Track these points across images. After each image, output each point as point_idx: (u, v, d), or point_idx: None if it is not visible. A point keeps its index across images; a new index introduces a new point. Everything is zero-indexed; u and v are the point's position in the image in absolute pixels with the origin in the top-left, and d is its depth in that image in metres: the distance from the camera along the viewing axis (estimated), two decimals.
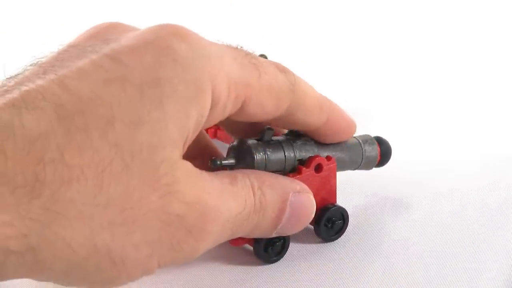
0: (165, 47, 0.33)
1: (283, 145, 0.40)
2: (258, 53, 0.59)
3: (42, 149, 0.29)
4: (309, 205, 0.39)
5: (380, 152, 0.45)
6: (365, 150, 0.44)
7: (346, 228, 0.44)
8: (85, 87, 0.30)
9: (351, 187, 0.48)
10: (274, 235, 0.39)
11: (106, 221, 0.30)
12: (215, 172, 0.36)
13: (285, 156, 0.40)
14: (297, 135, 0.42)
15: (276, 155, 0.40)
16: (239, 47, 0.37)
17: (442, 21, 0.80)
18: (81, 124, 0.30)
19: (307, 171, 0.41)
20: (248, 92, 0.35)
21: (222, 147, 0.49)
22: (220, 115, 0.35)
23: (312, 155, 0.41)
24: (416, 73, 0.69)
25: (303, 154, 0.41)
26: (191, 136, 0.34)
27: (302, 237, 0.43)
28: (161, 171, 0.31)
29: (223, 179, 0.35)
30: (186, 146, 0.34)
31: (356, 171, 0.46)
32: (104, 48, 0.32)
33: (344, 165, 0.44)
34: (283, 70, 0.38)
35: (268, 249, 0.41)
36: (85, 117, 0.30)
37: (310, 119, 0.39)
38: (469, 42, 0.75)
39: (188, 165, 0.33)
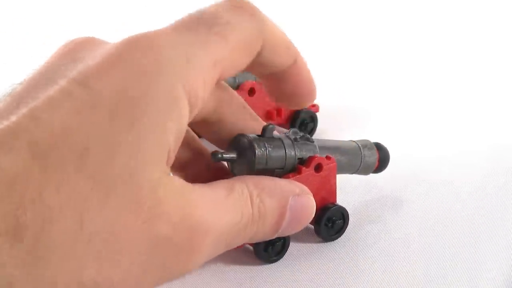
0: (131, 64, 0.32)
1: (284, 143, 0.40)
2: None
3: (21, 192, 0.28)
4: (309, 207, 0.39)
5: (379, 158, 0.45)
6: (364, 154, 0.44)
7: (346, 228, 0.44)
8: (56, 118, 0.30)
9: (351, 187, 0.48)
10: (274, 237, 0.39)
11: (90, 256, 0.30)
12: (211, 183, 0.35)
13: (285, 153, 0.40)
14: (298, 135, 0.41)
15: (277, 152, 0.40)
16: (198, 19, 0.34)
17: (438, 21, 0.80)
18: (56, 160, 0.29)
19: (307, 171, 0.41)
20: (221, 65, 0.34)
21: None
22: (199, 109, 0.34)
23: (312, 155, 0.41)
24: (414, 73, 0.69)
25: (304, 153, 0.41)
26: (174, 148, 0.33)
27: (302, 236, 0.43)
28: (142, 195, 0.30)
29: (218, 190, 0.35)
30: (171, 159, 0.33)
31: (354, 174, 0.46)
32: (72, 72, 0.31)
33: (343, 169, 0.44)
34: (252, 13, 0.36)
35: (268, 249, 0.41)
36: (59, 152, 0.29)
37: (278, 58, 0.37)
38: (461, 41, 0.75)
39: (174, 182, 0.32)
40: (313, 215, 0.39)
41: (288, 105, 0.40)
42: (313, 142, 0.42)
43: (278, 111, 0.56)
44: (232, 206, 0.35)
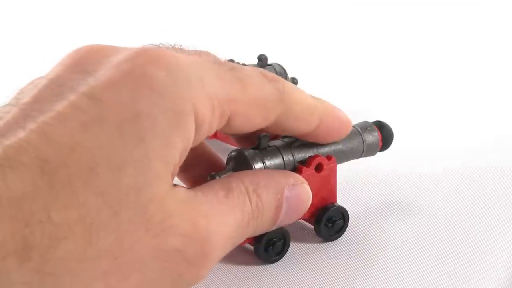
0: (142, 77, 0.32)
1: (281, 150, 0.40)
2: (258, 53, 0.59)
3: (29, 211, 0.28)
4: (305, 195, 0.39)
5: (382, 138, 0.45)
6: (365, 138, 0.44)
7: (346, 228, 0.44)
8: (65, 134, 0.30)
9: (351, 187, 0.48)
10: (273, 228, 0.39)
11: (100, 273, 0.30)
12: (208, 184, 0.36)
13: (283, 160, 0.40)
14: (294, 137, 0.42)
15: (274, 162, 0.40)
16: (222, 61, 0.36)
17: (437, 22, 0.80)
18: (64, 177, 0.29)
19: (308, 171, 0.41)
20: (233, 107, 0.35)
21: (222, 147, 0.49)
22: (205, 133, 0.34)
23: (312, 154, 0.41)
24: (414, 72, 0.69)
25: (302, 155, 0.41)
26: (179, 163, 0.33)
27: (302, 236, 0.43)
28: (151, 210, 0.31)
29: (218, 192, 0.35)
30: (175, 172, 0.33)
31: (361, 164, 0.45)
32: (82, 85, 0.32)
33: (347, 157, 0.44)
34: (271, 79, 0.37)
35: (269, 249, 0.41)
36: (68, 169, 0.29)
37: (301, 125, 0.39)
38: (458, 43, 0.75)
39: (180, 193, 0.33)
40: (310, 202, 0.40)
41: (323, 142, 0.42)
42: None
43: None
44: (234, 206, 0.35)
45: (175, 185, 0.33)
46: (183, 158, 0.33)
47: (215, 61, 0.36)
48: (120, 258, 0.30)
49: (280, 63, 0.59)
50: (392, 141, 0.46)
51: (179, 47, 0.36)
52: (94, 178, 0.29)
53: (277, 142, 0.41)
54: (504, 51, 0.73)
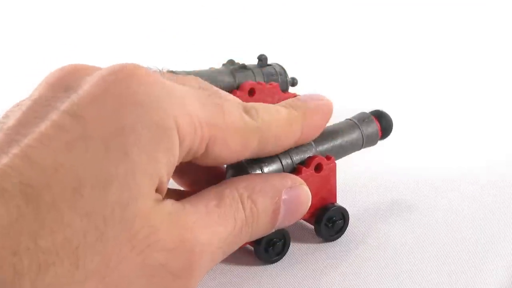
0: (125, 92, 0.32)
1: (279, 155, 0.40)
2: (258, 53, 0.59)
3: (16, 239, 0.28)
4: (303, 197, 0.39)
5: (380, 127, 0.45)
6: (363, 130, 0.44)
7: (346, 228, 0.44)
8: (48, 156, 0.30)
9: (352, 187, 0.48)
10: (272, 231, 0.39)
11: None
12: (201, 193, 0.35)
13: (282, 165, 0.40)
14: None
15: (273, 167, 0.40)
16: (206, 86, 0.36)
17: (440, 22, 0.80)
18: (49, 201, 0.29)
19: (307, 171, 0.41)
20: (212, 131, 0.34)
21: None
22: (185, 152, 0.34)
23: (311, 154, 0.41)
24: (415, 74, 0.69)
25: (301, 156, 0.41)
26: (167, 177, 0.33)
27: (302, 237, 0.44)
28: (136, 227, 0.31)
29: (209, 202, 0.35)
30: (164, 187, 0.33)
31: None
32: (64, 103, 0.31)
33: (346, 151, 0.44)
34: (247, 110, 0.37)
35: (269, 249, 0.41)
36: (52, 192, 0.29)
37: (284, 141, 0.39)
38: (463, 43, 0.75)
39: (166, 207, 0.32)
40: (309, 203, 0.39)
41: (311, 140, 0.41)
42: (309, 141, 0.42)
43: None
44: (224, 215, 0.35)
45: (164, 198, 0.33)
46: (171, 173, 0.33)
47: (198, 85, 0.35)
48: (107, 278, 0.30)
49: (280, 63, 0.59)
50: (391, 129, 0.46)
51: (167, 71, 0.36)
52: (79, 199, 0.29)
53: None
54: (504, 49, 0.73)
